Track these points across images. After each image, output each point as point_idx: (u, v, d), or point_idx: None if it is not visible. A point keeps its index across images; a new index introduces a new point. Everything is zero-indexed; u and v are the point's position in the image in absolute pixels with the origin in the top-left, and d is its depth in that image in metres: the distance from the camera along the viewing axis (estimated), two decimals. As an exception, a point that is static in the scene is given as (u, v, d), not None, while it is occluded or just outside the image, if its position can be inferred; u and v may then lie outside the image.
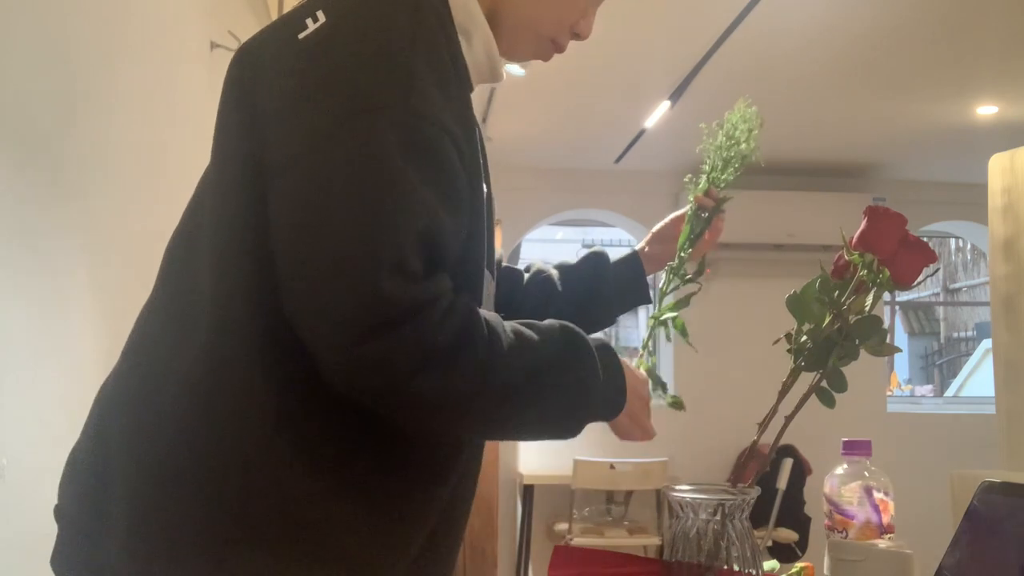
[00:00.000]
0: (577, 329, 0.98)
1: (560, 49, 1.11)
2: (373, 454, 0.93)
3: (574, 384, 0.96)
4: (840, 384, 0.99)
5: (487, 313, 0.92)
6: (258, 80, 0.94)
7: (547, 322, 0.97)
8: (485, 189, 1.03)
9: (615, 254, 1.38)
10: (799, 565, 1.15)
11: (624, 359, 1.03)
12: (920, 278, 1.00)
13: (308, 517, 0.89)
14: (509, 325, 0.93)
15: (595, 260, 1.34)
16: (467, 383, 0.87)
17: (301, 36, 0.91)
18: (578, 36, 1.10)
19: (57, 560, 0.96)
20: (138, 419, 0.93)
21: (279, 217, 0.88)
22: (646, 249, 1.36)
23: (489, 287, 1.07)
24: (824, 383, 0.99)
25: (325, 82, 0.89)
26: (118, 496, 0.91)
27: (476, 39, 1.00)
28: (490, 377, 0.88)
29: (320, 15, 0.92)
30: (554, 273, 1.33)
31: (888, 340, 1.01)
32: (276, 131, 0.90)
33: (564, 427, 0.98)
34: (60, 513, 0.97)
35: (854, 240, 1.01)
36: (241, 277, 0.90)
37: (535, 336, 0.94)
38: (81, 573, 0.94)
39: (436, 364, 0.84)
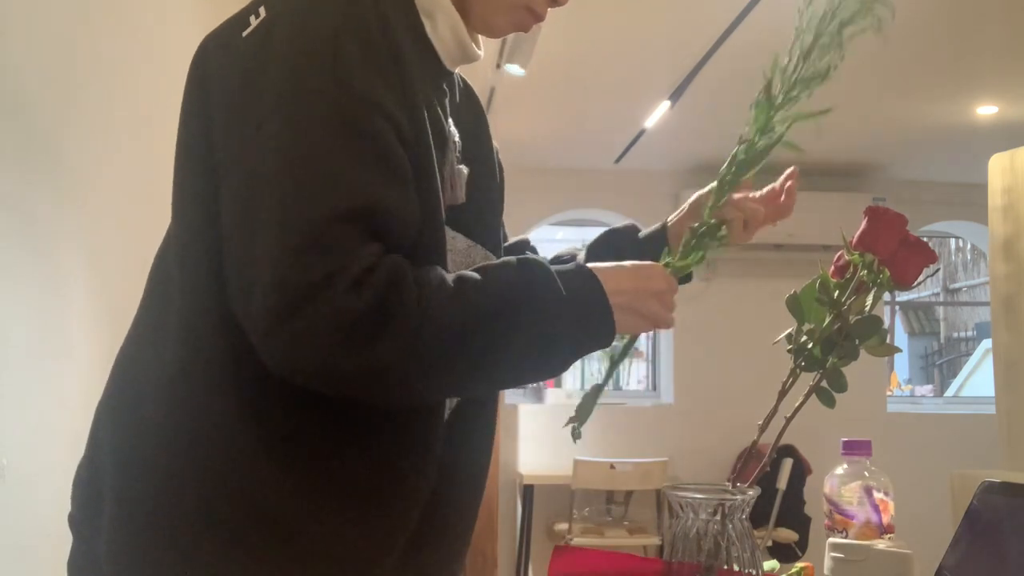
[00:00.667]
0: (535, 257, 0.93)
1: (539, 17, 1.05)
2: (345, 447, 0.92)
3: (530, 313, 0.89)
4: (840, 384, 0.99)
5: (425, 269, 0.88)
6: (210, 87, 0.94)
7: (500, 260, 0.93)
8: (466, 170, 1.03)
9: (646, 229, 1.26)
10: (799, 565, 1.15)
11: (606, 264, 0.96)
12: (920, 278, 1.00)
13: (285, 515, 0.90)
14: (451, 276, 0.89)
15: (622, 232, 1.27)
16: (401, 344, 0.83)
17: (244, 34, 0.92)
18: (556, 2, 1.04)
19: (70, 565, 0.99)
20: (123, 430, 0.95)
21: (223, 217, 0.88)
22: (669, 223, 1.24)
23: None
24: (824, 383, 0.99)
25: (260, 75, 0.89)
26: (107, 502, 0.93)
27: (440, 20, 0.99)
28: (427, 332, 0.84)
29: (262, 10, 0.92)
30: (581, 255, 1.25)
31: (888, 340, 1.01)
32: (222, 132, 0.91)
33: (543, 361, 0.92)
34: (70, 521, 1.00)
35: (854, 240, 1.01)
36: (205, 287, 0.91)
37: (478, 277, 0.89)
38: (82, 574, 0.97)
39: (361, 332, 0.82)
